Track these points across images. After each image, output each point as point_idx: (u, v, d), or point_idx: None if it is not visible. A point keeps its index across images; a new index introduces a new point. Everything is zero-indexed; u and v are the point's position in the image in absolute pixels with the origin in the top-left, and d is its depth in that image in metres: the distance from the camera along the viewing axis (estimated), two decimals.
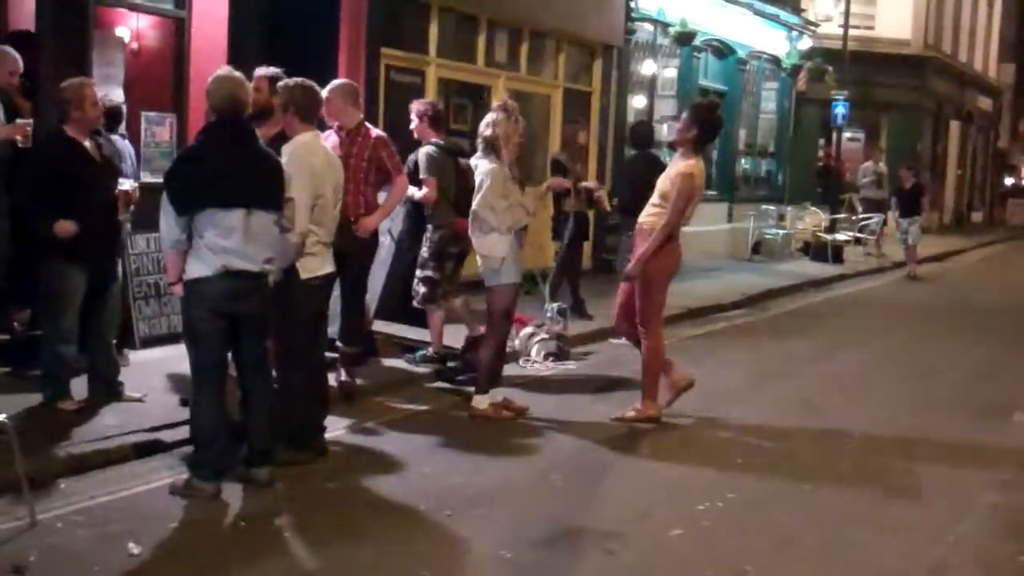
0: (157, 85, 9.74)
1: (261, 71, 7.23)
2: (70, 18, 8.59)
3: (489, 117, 7.68)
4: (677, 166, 7.75)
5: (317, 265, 6.33)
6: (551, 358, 9.66)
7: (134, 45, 9.99)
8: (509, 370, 9.37)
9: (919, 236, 19.10)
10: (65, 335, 6.82)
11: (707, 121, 7.91)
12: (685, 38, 17.59)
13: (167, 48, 9.80)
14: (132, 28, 9.95)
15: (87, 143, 6.82)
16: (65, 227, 6.60)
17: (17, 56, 7.58)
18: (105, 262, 6.97)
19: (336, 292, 7.15)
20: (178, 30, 9.62)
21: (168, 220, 5.68)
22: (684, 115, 8.17)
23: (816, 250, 19.98)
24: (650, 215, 7.73)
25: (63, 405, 6.79)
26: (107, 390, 7.06)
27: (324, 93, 7.08)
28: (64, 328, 6.80)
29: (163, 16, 9.70)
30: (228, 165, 5.68)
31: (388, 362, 8.86)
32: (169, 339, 8.31)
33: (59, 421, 6.56)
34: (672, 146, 9.95)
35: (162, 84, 9.67)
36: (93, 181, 6.77)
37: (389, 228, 8.90)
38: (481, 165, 7.60)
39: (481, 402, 7.70)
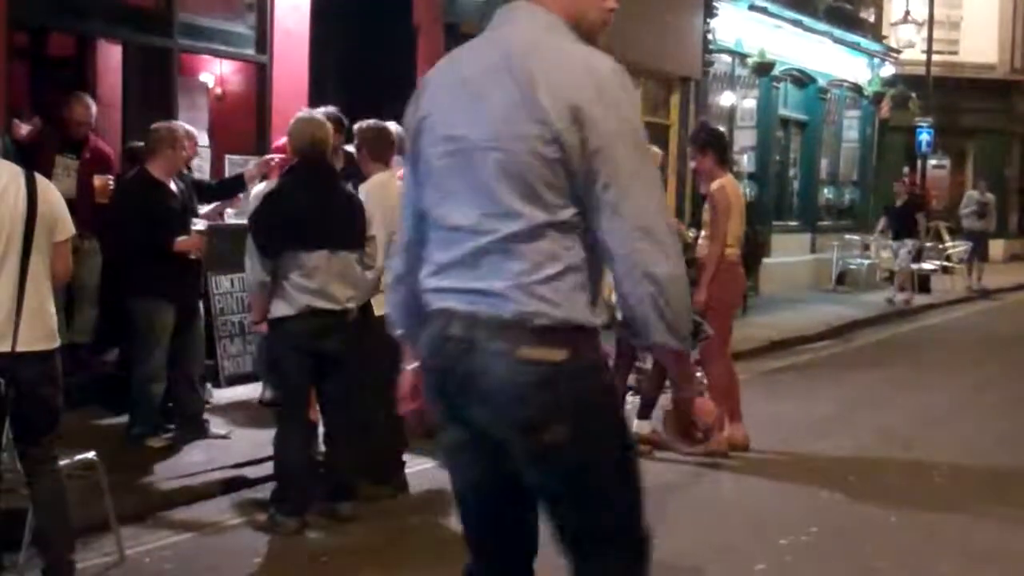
0: (240, 128, 9.95)
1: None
2: (156, 65, 8.84)
3: None
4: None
5: None
6: (630, 391, 9.60)
7: (218, 90, 10.24)
8: None
9: (908, 261, 17.90)
10: (153, 373, 6.97)
11: (709, 138, 7.93)
12: (764, 68, 17.49)
13: (249, 92, 10.01)
14: (215, 74, 10.21)
15: (171, 184, 7.00)
16: (187, 242, 6.79)
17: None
18: (190, 300, 7.11)
19: None
20: (260, 74, 9.82)
21: (253, 261, 5.79)
22: (689, 151, 8.16)
23: None
24: (701, 245, 7.73)
25: (150, 442, 6.92)
26: (193, 427, 7.19)
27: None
28: (153, 366, 6.95)
29: (245, 61, 9.91)
30: (310, 206, 5.77)
31: None
32: (253, 377, 8.43)
33: (146, 458, 6.70)
34: (751, 177, 9.95)
35: (245, 127, 9.86)
36: (177, 220, 6.93)
37: None
38: None
39: (644, 427, 7.72)
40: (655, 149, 7.87)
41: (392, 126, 6.56)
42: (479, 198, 2.62)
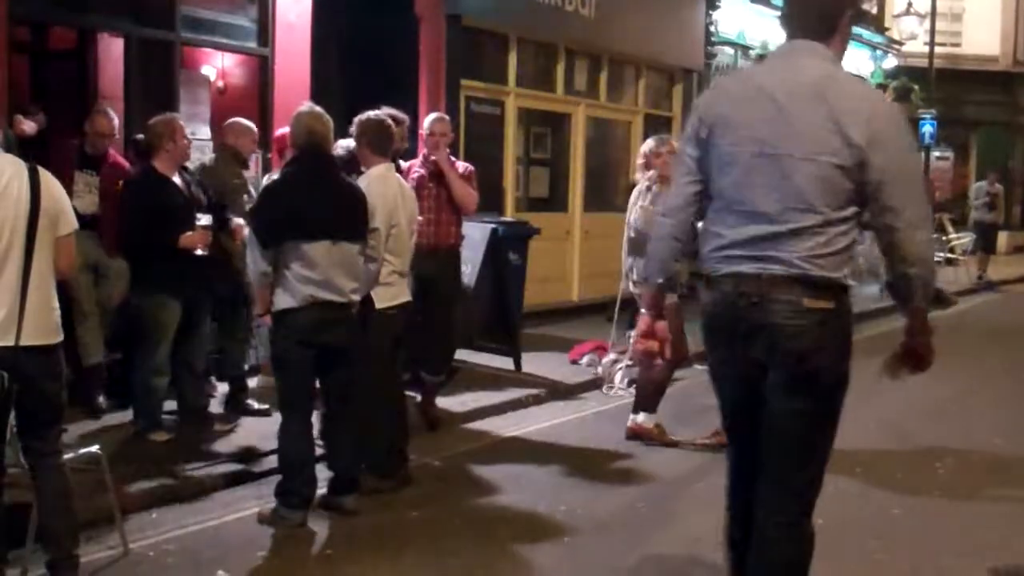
0: None
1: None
2: (157, 58, 8.84)
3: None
4: None
5: (393, 295, 6.38)
6: (634, 385, 9.60)
7: (219, 83, 10.22)
8: (592, 398, 9.39)
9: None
10: (158, 368, 6.98)
11: None
12: None
13: (251, 85, 10.00)
14: (217, 67, 10.19)
15: (176, 178, 6.99)
16: (192, 238, 6.79)
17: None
18: (196, 295, 7.11)
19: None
20: (262, 67, 9.81)
21: (254, 253, 5.79)
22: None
23: None
24: None
25: (154, 436, 6.92)
26: (197, 421, 7.19)
27: (432, 127, 7.26)
28: (158, 361, 6.96)
29: (247, 54, 9.90)
30: (311, 198, 5.77)
31: (471, 390, 8.89)
32: (256, 371, 8.41)
33: (150, 452, 6.69)
34: None
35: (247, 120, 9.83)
36: (184, 215, 6.92)
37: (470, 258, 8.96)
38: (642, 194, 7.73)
39: (648, 420, 7.73)
40: (673, 142, 7.91)
41: (384, 114, 6.55)
42: (786, 195, 3.49)
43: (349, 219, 5.90)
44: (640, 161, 7.89)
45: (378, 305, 6.26)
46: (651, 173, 7.82)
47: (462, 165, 8.04)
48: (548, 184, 13.98)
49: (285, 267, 5.72)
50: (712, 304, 3.74)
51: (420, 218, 6.89)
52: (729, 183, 3.64)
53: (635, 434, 7.75)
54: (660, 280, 4.14)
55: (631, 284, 7.81)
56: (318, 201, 5.77)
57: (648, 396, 7.81)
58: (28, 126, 7.49)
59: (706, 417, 8.29)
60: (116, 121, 7.78)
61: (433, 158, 7.78)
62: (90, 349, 7.52)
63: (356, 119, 6.56)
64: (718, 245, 3.70)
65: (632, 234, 7.70)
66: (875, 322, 15.21)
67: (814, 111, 3.49)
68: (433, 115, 8.20)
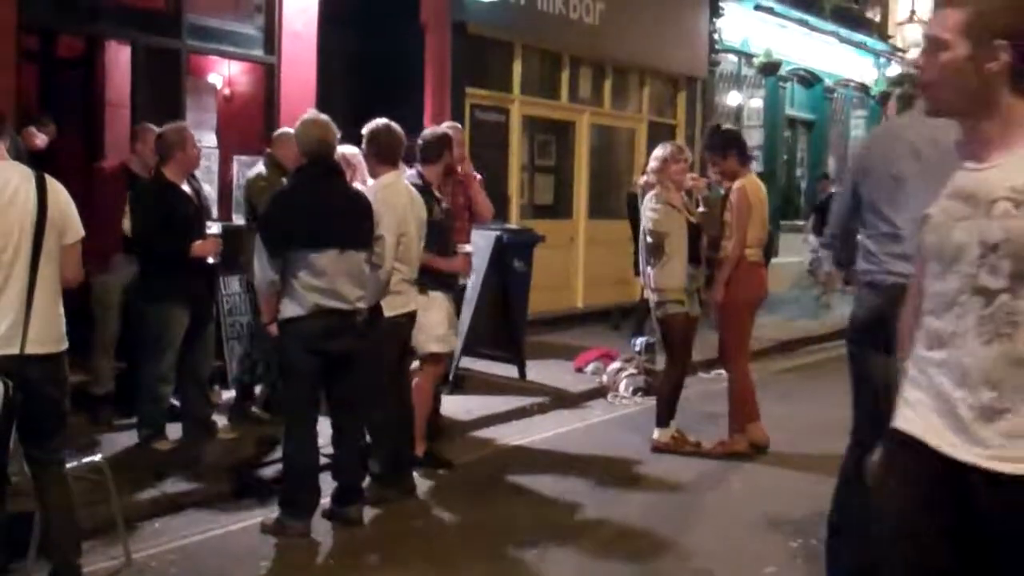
0: (248, 129, 9.94)
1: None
2: (164, 66, 8.85)
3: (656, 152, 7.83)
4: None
5: (401, 303, 6.38)
6: (639, 393, 9.61)
7: (226, 91, 10.24)
8: (597, 406, 9.38)
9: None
10: (163, 376, 6.95)
11: (727, 139, 8.01)
12: (770, 68, 17.47)
13: (258, 93, 10.01)
14: (224, 75, 10.20)
15: (185, 186, 6.99)
16: (203, 246, 6.79)
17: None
18: (203, 304, 7.11)
19: None
20: (268, 75, 9.82)
21: (262, 261, 5.79)
22: (709, 157, 8.14)
23: None
24: (725, 246, 7.70)
25: (158, 445, 6.91)
26: (200, 429, 7.19)
27: (450, 134, 7.35)
28: (162, 369, 6.92)
29: (253, 62, 9.91)
30: (318, 206, 5.76)
31: (476, 398, 8.88)
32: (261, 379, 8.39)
33: (154, 461, 6.68)
34: (758, 176, 9.87)
35: (253, 128, 9.86)
36: (192, 223, 6.91)
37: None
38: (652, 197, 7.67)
39: (664, 435, 7.74)
40: (668, 145, 7.89)
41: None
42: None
43: (356, 227, 5.90)
44: (654, 165, 7.76)
45: (387, 313, 6.26)
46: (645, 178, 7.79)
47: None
48: (552, 191, 13.98)
49: (292, 275, 5.71)
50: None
51: None
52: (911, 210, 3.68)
53: (658, 450, 7.75)
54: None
55: (650, 292, 7.75)
56: (325, 209, 5.77)
57: (663, 410, 7.82)
58: (40, 140, 7.51)
59: (711, 425, 8.33)
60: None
61: (459, 168, 7.79)
62: (104, 379, 7.62)
63: (364, 128, 6.56)
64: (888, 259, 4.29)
65: (650, 240, 7.59)
66: None
67: None
68: (453, 124, 8.18)
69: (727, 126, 8.64)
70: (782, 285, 16.79)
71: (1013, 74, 2.67)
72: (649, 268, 7.62)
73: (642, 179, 7.80)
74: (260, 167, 7.71)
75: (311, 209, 5.75)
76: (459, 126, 8.23)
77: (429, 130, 7.28)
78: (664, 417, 7.77)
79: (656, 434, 7.77)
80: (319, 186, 5.84)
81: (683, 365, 7.80)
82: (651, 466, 7.46)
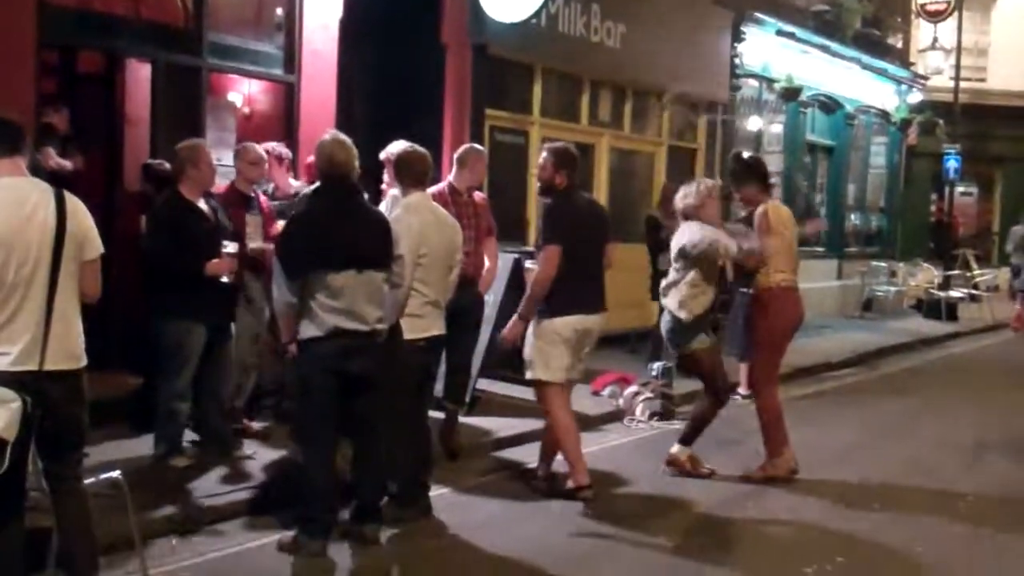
0: None
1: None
2: (184, 84, 8.88)
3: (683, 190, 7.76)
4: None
5: (423, 327, 6.35)
6: (656, 417, 9.57)
7: (246, 109, 10.27)
8: (614, 429, 9.34)
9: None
10: (180, 393, 6.95)
11: (747, 167, 8.03)
12: (791, 93, 17.44)
13: (277, 111, 10.04)
14: (244, 93, 10.23)
15: (202, 204, 7.00)
16: (218, 265, 6.80)
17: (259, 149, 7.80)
18: (220, 321, 7.10)
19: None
20: (288, 94, 9.85)
21: (280, 283, 5.78)
22: (731, 181, 8.12)
23: (929, 307, 19.53)
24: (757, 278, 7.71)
25: (175, 462, 6.90)
26: (218, 447, 7.18)
27: (472, 155, 7.35)
28: (180, 386, 6.93)
29: (273, 81, 9.94)
30: (336, 227, 5.75)
31: (493, 419, 8.85)
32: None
33: (171, 478, 6.67)
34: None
35: None
36: (209, 242, 6.92)
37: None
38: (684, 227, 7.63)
39: (683, 452, 7.75)
40: (708, 181, 7.89)
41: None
42: None
43: (374, 247, 5.88)
44: (691, 201, 7.54)
45: (407, 336, 6.24)
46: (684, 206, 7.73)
47: (478, 194, 8.04)
48: None
49: (310, 296, 5.70)
50: None
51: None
52: None
53: (671, 464, 7.78)
54: None
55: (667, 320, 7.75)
56: (343, 230, 5.75)
57: (690, 431, 7.81)
58: (62, 165, 7.56)
59: (732, 449, 8.28)
60: (266, 158, 7.86)
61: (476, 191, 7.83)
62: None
63: (390, 149, 6.57)
64: None
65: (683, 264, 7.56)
66: (900, 356, 15.16)
67: None
68: (473, 146, 8.18)
69: (748, 153, 8.62)
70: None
71: None
72: (669, 297, 7.60)
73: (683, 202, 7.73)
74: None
75: (329, 230, 5.74)
76: (481, 148, 8.23)
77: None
78: (690, 437, 7.77)
79: (675, 449, 7.76)
80: (336, 206, 5.83)
81: (720, 392, 7.76)
82: (667, 490, 7.41)
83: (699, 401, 7.96)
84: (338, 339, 5.70)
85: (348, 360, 5.74)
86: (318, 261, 5.68)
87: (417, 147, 6.53)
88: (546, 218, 7.07)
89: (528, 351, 6.97)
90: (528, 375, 7.07)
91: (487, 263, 8.02)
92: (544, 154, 7.11)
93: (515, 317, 6.97)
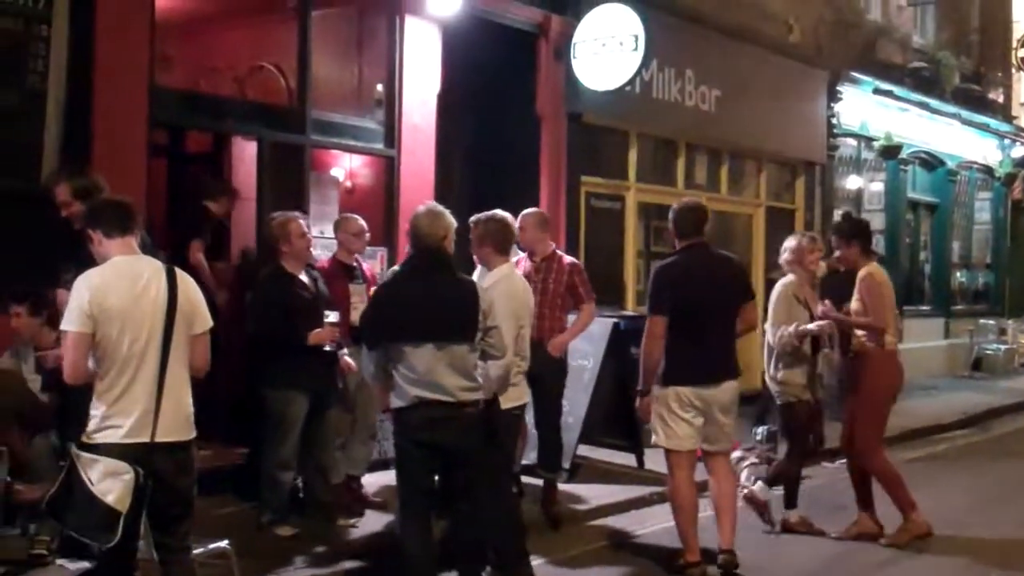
0: (369, 220, 10.07)
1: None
2: (288, 160, 9.11)
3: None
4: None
5: (518, 395, 6.37)
6: (757, 482, 9.41)
7: (348, 183, 10.48)
8: None
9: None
10: (285, 462, 7.06)
11: (855, 229, 8.07)
12: (890, 151, 17.24)
13: (378, 185, 10.20)
14: (346, 168, 10.45)
15: (303, 276, 7.16)
16: (320, 335, 6.93)
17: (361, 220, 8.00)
18: (323, 390, 7.21)
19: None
20: (388, 168, 10.01)
21: (366, 353, 5.86)
22: (834, 241, 8.08)
23: None
24: (858, 337, 7.68)
25: (280, 531, 6.99)
26: (322, 515, 7.25)
27: (518, 223, 7.32)
28: (284, 455, 7.04)
29: (374, 155, 10.14)
30: (416, 298, 5.68)
31: (593, 486, 8.80)
32: (379, 465, 8.44)
33: (276, 546, 6.76)
34: (881, 261, 9.77)
35: (374, 219, 10.00)
36: (311, 312, 7.06)
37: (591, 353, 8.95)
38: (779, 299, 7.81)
39: (794, 515, 7.88)
40: (807, 235, 8.00)
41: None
42: None
43: (456, 319, 5.70)
44: (788, 256, 7.91)
45: (504, 405, 6.24)
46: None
47: (568, 259, 8.06)
48: None
49: (394, 368, 5.68)
50: None
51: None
52: None
53: (787, 530, 7.89)
54: None
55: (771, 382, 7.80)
56: (421, 304, 5.66)
57: (788, 493, 7.93)
58: (200, 265, 7.94)
59: (838, 513, 8.13)
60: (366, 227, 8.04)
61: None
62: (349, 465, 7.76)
63: (476, 219, 6.61)
64: None
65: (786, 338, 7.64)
66: (1013, 417, 14.73)
67: None
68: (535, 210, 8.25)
69: (857, 215, 8.68)
70: (909, 372, 16.38)
71: None
72: (771, 365, 7.67)
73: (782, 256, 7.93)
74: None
75: (406, 303, 5.70)
76: (535, 210, 8.25)
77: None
78: (793, 498, 7.88)
79: (785, 515, 7.89)
80: (418, 279, 5.78)
81: (802, 450, 7.91)
82: (775, 552, 7.29)
83: (777, 463, 8.18)
84: (422, 409, 5.63)
85: (433, 431, 5.65)
86: (394, 332, 5.67)
87: (501, 214, 6.58)
88: (651, 284, 6.94)
89: (652, 417, 6.91)
90: (652, 440, 7.08)
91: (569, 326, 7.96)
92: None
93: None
